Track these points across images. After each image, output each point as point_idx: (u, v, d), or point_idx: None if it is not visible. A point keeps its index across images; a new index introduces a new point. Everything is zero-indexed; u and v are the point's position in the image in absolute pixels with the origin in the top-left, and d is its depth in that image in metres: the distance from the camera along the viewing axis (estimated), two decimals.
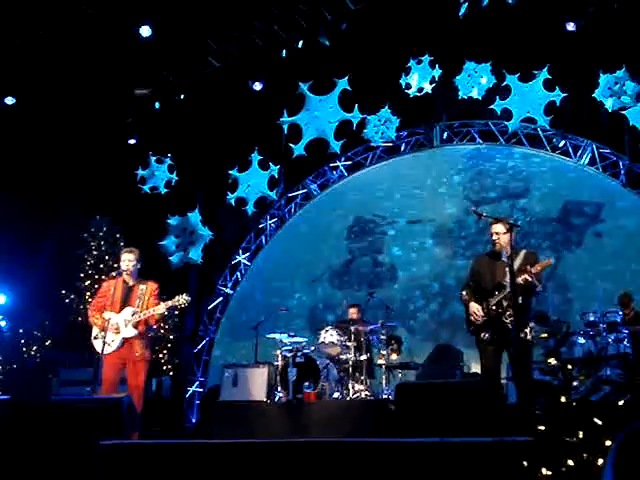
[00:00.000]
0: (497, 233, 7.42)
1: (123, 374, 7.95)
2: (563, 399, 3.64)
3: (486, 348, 7.43)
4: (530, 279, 7.12)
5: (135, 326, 7.85)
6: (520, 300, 7.11)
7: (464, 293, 7.68)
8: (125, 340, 7.84)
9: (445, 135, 13.63)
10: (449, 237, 13.35)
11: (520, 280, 7.09)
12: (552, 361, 3.85)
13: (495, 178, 13.39)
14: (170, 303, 7.90)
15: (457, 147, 13.71)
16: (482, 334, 7.42)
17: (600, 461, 3.39)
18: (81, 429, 5.52)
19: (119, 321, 7.84)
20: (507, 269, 7.17)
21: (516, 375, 7.38)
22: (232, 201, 12.10)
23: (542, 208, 12.82)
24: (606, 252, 12.10)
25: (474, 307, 7.40)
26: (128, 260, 8.09)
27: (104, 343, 7.67)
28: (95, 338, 7.98)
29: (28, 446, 5.11)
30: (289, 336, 10.13)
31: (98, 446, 5.21)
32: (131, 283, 8.10)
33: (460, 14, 10.50)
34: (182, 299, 7.91)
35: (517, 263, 7.28)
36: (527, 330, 7.21)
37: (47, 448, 4.86)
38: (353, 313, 10.88)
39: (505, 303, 7.24)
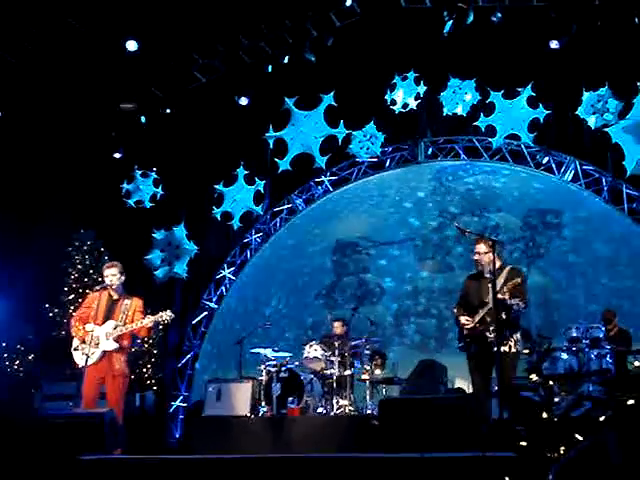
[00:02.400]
0: (478, 253, 7.63)
1: (102, 389, 7.90)
2: (545, 415, 3.67)
3: (474, 364, 7.63)
4: (503, 298, 7.25)
5: (116, 340, 7.82)
6: (503, 316, 7.25)
7: (455, 310, 7.88)
8: (105, 353, 7.81)
9: (430, 151, 13.71)
10: (430, 252, 13.49)
11: (500, 296, 7.23)
12: (534, 377, 3.88)
13: (464, 193, 13.60)
14: (153, 318, 7.87)
15: (424, 165, 13.87)
16: (470, 349, 7.61)
17: None
18: (63, 444, 5.49)
19: (100, 334, 7.80)
20: (490, 286, 7.30)
21: (499, 388, 7.46)
22: (218, 216, 12.11)
23: (510, 220, 12.99)
24: (573, 262, 12.35)
25: (462, 318, 7.59)
26: (111, 274, 8.07)
27: (86, 356, 7.64)
28: (75, 349, 7.93)
29: (10, 461, 5.08)
30: (273, 351, 10.13)
31: (80, 461, 5.19)
32: (116, 297, 8.07)
33: (445, 31, 10.57)
34: (165, 315, 7.87)
35: (501, 280, 7.44)
36: (511, 343, 7.37)
37: (29, 463, 4.83)
38: (337, 327, 10.89)
39: (488, 319, 7.37)
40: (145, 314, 8.03)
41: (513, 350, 7.39)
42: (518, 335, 7.52)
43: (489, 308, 7.32)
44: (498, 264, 7.63)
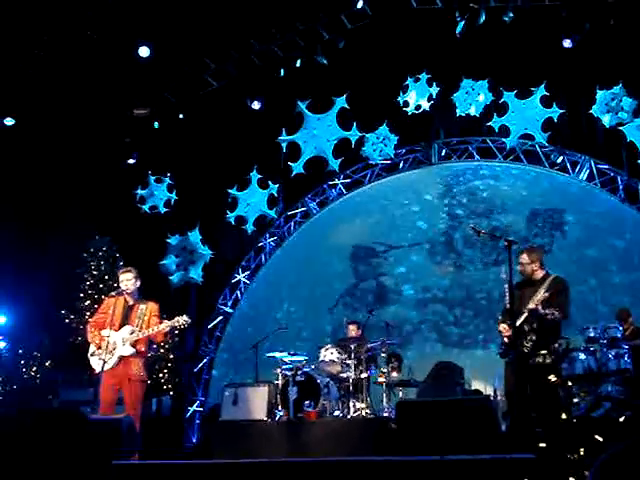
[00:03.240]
0: (521, 263, 7.85)
1: (120, 394, 7.92)
2: (564, 416, 3.64)
3: (509, 370, 7.68)
4: (535, 307, 7.38)
5: (133, 345, 7.84)
6: (535, 325, 7.45)
7: (499, 318, 8.04)
8: (121, 358, 7.82)
9: (443, 152, 13.65)
10: (441, 255, 13.47)
11: (532, 306, 7.42)
12: (552, 378, 3.85)
13: (473, 195, 13.60)
14: (170, 323, 7.89)
15: (433, 168, 13.82)
16: (508, 357, 7.70)
17: None
18: (81, 449, 5.49)
19: (117, 339, 7.83)
20: (533, 296, 7.53)
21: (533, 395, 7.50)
22: (232, 220, 12.11)
23: (518, 220, 12.99)
24: (584, 260, 12.32)
25: (501, 325, 7.76)
26: (126, 280, 8.10)
27: (103, 361, 7.65)
28: (92, 355, 7.96)
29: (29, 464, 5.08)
30: (289, 355, 10.11)
31: (104, 466, 5.19)
32: (131, 302, 8.10)
33: (457, 32, 10.54)
34: (182, 320, 7.90)
35: (542, 290, 7.58)
36: (544, 353, 7.41)
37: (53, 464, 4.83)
38: (352, 330, 10.88)
39: (526, 328, 7.49)
40: (161, 318, 8.05)
41: (548, 361, 7.41)
42: (556, 345, 7.56)
43: (526, 317, 7.46)
44: (542, 273, 7.81)
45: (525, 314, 7.46)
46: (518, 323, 7.45)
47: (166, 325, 7.88)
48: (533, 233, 12.78)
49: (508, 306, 7.16)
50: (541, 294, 7.48)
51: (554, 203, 12.88)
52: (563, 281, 7.85)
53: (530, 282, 7.83)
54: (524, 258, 7.84)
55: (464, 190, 13.66)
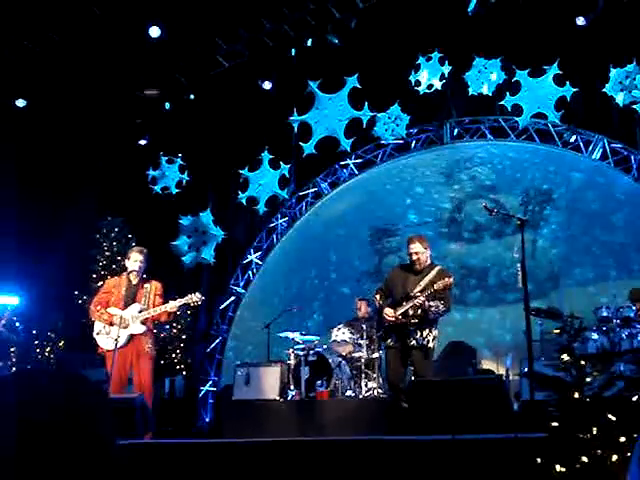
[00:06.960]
0: (416, 253, 7.77)
1: (130, 374, 7.96)
2: (576, 395, 3.63)
3: (391, 353, 7.86)
4: (422, 301, 7.46)
5: (143, 322, 7.88)
6: (419, 313, 7.55)
7: (377, 297, 8.06)
8: (132, 336, 7.86)
9: (455, 132, 13.56)
10: (453, 230, 13.43)
11: (420, 298, 7.49)
12: (565, 357, 3.84)
13: (473, 177, 13.49)
14: (183, 301, 7.93)
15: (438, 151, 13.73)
16: (389, 340, 7.82)
17: (614, 457, 3.37)
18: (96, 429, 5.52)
19: (127, 317, 7.85)
20: (421, 282, 7.60)
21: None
22: (243, 200, 12.13)
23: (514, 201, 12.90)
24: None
25: (387, 310, 7.71)
26: (140, 261, 8.11)
27: (116, 340, 7.66)
28: (98, 334, 7.98)
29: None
30: (301, 335, 10.15)
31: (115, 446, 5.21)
32: (135, 282, 8.11)
33: (469, 10, 10.46)
34: (195, 297, 7.93)
35: (427, 279, 7.64)
36: (429, 338, 7.58)
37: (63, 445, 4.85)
38: (361, 306, 10.89)
39: (411, 312, 7.55)
40: (164, 297, 8.08)
41: (430, 345, 7.57)
42: (435, 332, 7.65)
43: (414, 303, 7.50)
44: (428, 262, 7.81)
45: (412, 301, 7.51)
46: (404, 308, 7.55)
47: (178, 302, 7.92)
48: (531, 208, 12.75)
49: (520, 285, 7.10)
50: (426, 283, 7.54)
51: (556, 178, 12.81)
52: (449, 274, 7.81)
53: (413, 268, 7.81)
54: (418, 247, 7.75)
55: (470, 172, 13.57)
